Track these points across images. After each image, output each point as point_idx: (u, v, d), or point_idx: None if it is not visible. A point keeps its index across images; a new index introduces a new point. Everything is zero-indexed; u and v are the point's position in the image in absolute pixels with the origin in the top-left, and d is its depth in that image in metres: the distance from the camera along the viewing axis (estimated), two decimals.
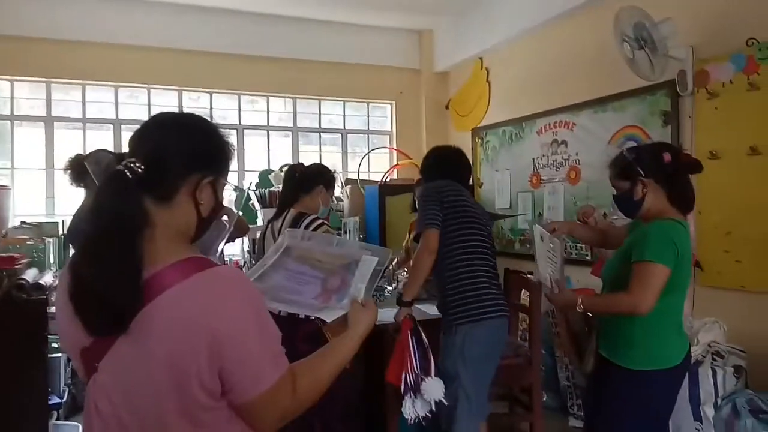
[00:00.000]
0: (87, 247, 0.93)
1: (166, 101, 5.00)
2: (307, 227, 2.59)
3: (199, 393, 0.90)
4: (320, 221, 2.67)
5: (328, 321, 1.17)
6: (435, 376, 2.14)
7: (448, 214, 2.41)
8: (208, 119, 1.07)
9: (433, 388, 2.11)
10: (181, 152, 0.99)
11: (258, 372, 0.93)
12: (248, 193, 4.90)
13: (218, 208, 1.06)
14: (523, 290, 3.45)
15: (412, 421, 2.11)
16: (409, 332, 2.21)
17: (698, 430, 2.74)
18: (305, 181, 2.79)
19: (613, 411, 2.00)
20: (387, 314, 2.43)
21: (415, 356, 2.13)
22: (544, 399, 3.74)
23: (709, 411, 2.72)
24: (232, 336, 0.90)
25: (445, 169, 2.65)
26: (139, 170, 0.94)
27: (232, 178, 5.16)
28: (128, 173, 0.94)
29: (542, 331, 3.58)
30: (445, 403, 2.15)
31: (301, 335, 2.21)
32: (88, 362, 0.96)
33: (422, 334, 2.22)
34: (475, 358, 2.36)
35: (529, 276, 3.39)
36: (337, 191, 4.73)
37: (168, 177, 0.97)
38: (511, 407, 3.56)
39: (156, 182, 0.96)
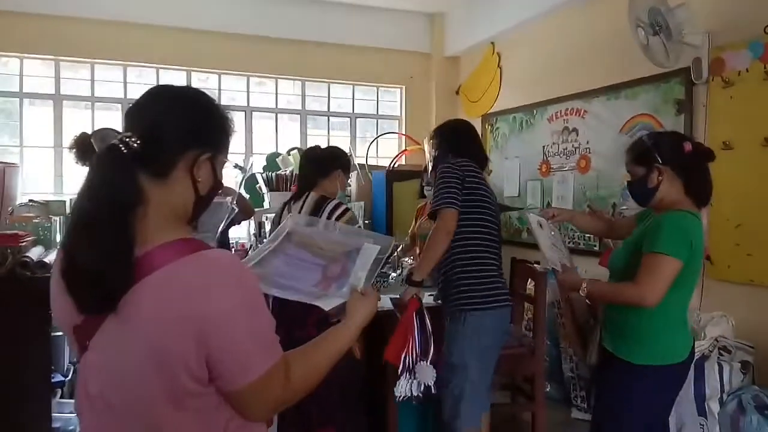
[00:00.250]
0: (79, 223, 0.91)
1: (174, 81, 4.97)
2: (331, 213, 2.57)
3: (185, 378, 0.88)
4: (344, 207, 2.65)
5: (326, 309, 1.15)
6: (429, 362, 2.12)
7: (466, 196, 2.32)
8: (208, 94, 1.04)
9: (426, 373, 2.10)
10: (179, 127, 0.96)
11: (247, 360, 0.90)
12: (255, 175, 4.89)
13: (217, 186, 1.03)
14: (529, 280, 3.42)
15: (400, 399, 2.12)
16: (414, 313, 2.18)
17: (702, 425, 2.70)
18: (324, 165, 2.76)
19: (615, 404, 1.96)
20: (390, 300, 2.40)
21: (417, 338, 2.12)
22: (548, 389, 3.72)
23: (714, 406, 2.68)
24: (220, 322, 0.87)
25: (466, 147, 2.54)
26: (135, 145, 0.92)
27: (235, 157, 5.16)
28: (123, 148, 0.91)
29: (547, 321, 3.56)
30: (433, 389, 2.13)
31: (312, 320, 2.20)
32: (80, 340, 0.95)
33: (427, 318, 2.19)
34: (484, 348, 2.32)
35: (535, 265, 3.36)
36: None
37: (164, 152, 0.94)
38: (513, 397, 3.55)
39: (152, 157, 0.93)
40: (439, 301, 2.52)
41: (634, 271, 1.84)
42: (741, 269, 2.96)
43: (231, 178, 3.89)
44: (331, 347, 1.07)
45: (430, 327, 2.18)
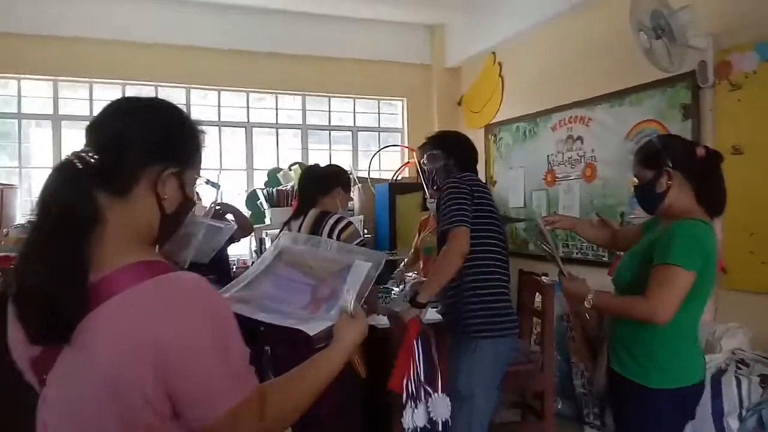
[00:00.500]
0: (29, 244, 0.84)
1: (173, 99, 4.93)
2: (333, 227, 2.51)
3: (146, 413, 0.80)
4: (346, 221, 2.59)
5: (311, 334, 1.07)
6: (441, 392, 2.00)
7: (476, 213, 2.19)
8: (176, 105, 0.97)
9: (440, 406, 1.96)
10: (141, 140, 0.89)
11: (213, 393, 0.82)
12: (256, 192, 4.84)
13: (187, 204, 0.96)
14: (537, 293, 3.32)
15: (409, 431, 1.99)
16: (416, 337, 2.07)
17: None
18: (324, 183, 2.73)
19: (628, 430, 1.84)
20: (387, 311, 2.32)
21: (419, 363, 2.00)
22: (559, 406, 3.61)
23: (733, 423, 2.56)
24: (181, 349, 0.79)
25: (470, 160, 2.44)
26: (92, 160, 0.85)
27: (237, 173, 5.11)
28: (78, 163, 0.85)
29: (556, 335, 3.46)
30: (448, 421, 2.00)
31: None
32: (38, 374, 0.87)
33: (431, 343, 2.07)
34: (493, 376, 2.20)
35: (543, 278, 3.26)
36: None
37: (124, 167, 0.88)
38: (523, 414, 3.43)
39: (110, 173, 0.87)
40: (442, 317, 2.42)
41: (643, 284, 1.71)
42: (756, 278, 2.85)
43: (206, 195, 3.80)
44: (315, 375, 0.99)
45: (436, 354, 2.06)
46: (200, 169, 1.00)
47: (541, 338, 3.14)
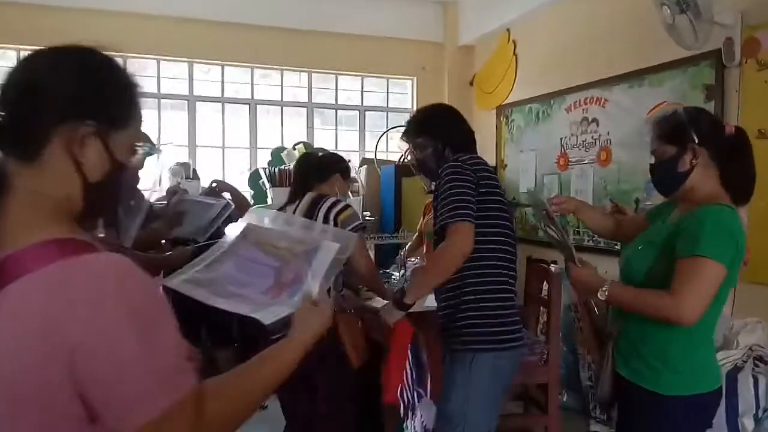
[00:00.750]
0: None
1: (175, 73, 4.82)
2: (329, 209, 2.33)
3: (56, 417, 0.68)
4: (343, 203, 2.43)
5: (266, 323, 0.94)
6: (429, 397, 1.82)
7: (481, 204, 1.84)
8: (104, 53, 0.80)
9: (431, 411, 1.77)
10: (54, 92, 0.75)
11: (137, 396, 0.69)
12: (258, 171, 4.72)
13: (119, 171, 0.81)
14: (544, 282, 3.17)
15: None
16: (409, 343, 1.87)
17: None
18: (321, 170, 2.56)
19: None
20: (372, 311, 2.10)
21: (411, 368, 1.82)
22: (564, 399, 3.48)
23: (748, 424, 2.41)
24: (98, 347, 0.67)
25: (468, 139, 2.07)
26: None
27: (212, 151, 4.95)
28: None
29: (563, 326, 3.32)
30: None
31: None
32: None
33: (421, 348, 1.88)
34: (491, 394, 1.86)
35: (551, 266, 3.11)
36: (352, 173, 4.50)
37: (31, 124, 0.74)
38: (525, 407, 3.31)
39: (16, 132, 0.74)
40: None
41: (662, 278, 1.50)
42: None
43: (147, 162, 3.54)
44: (266, 371, 0.86)
45: (426, 362, 1.88)
46: (138, 130, 0.84)
47: (547, 329, 3.01)
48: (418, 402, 1.74)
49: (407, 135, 2.11)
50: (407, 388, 1.77)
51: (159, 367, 0.71)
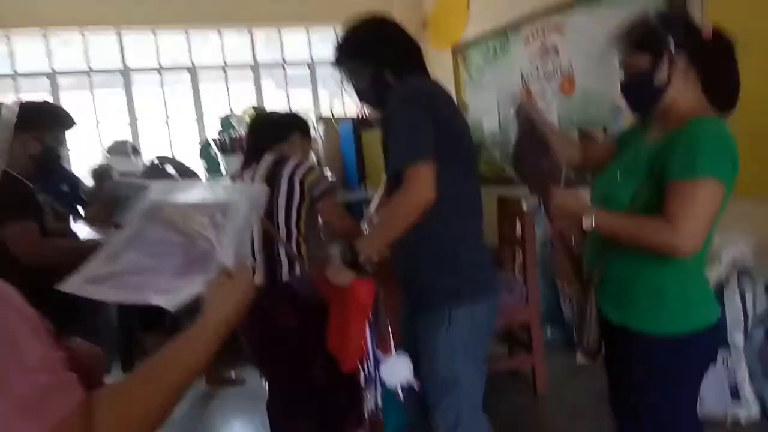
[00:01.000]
0: None
1: (104, 43, 4.45)
2: (293, 172, 2.12)
3: None
4: (309, 164, 2.21)
5: (171, 310, 0.79)
6: (395, 351, 1.61)
7: (441, 138, 1.51)
8: None
9: (396, 369, 1.52)
10: None
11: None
12: (208, 142, 4.44)
13: None
14: (517, 221, 3.05)
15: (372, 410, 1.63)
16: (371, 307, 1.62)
17: (725, 361, 2.38)
18: (278, 129, 2.31)
19: (642, 398, 1.44)
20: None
21: (371, 333, 1.61)
22: (549, 335, 3.43)
23: (738, 338, 2.36)
24: None
25: (406, 54, 1.69)
26: None
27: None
28: None
29: (540, 262, 3.24)
30: (415, 387, 1.57)
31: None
32: None
33: (382, 306, 1.66)
34: (476, 348, 1.65)
35: (523, 202, 2.98)
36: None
37: None
38: (510, 348, 3.25)
39: None
40: None
41: (648, 207, 1.34)
42: (759, 182, 2.57)
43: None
44: (176, 362, 0.70)
45: (385, 319, 1.65)
46: None
47: (524, 268, 2.92)
48: (381, 365, 1.53)
49: (340, 62, 1.70)
50: (368, 357, 1.57)
51: (24, 390, 0.56)
